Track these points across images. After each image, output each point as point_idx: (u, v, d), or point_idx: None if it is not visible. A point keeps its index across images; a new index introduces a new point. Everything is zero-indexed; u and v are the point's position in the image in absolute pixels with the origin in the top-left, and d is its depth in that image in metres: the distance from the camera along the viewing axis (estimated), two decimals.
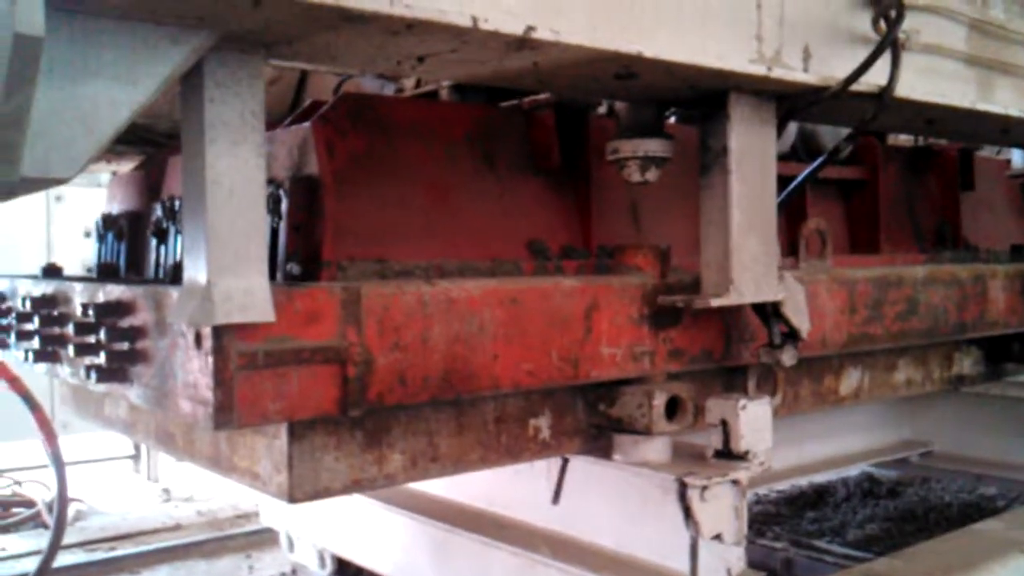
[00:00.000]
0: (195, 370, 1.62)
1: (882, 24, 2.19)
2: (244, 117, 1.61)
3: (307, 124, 2.02)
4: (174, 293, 1.69)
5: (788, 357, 2.28)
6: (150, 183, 2.68)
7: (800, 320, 2.28)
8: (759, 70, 2.02)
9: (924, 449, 4.07)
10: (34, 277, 2.48)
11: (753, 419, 2.13)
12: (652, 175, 2.25)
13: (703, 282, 2.22)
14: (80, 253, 5.07)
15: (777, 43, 2.07)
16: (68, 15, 1.38)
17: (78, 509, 5.05)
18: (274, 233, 1.95)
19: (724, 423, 2.13)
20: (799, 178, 2.61)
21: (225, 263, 1.59)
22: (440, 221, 2.18)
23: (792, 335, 2.29)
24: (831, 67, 2.16)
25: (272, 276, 1.87)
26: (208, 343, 1.58)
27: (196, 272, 1.61)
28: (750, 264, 2.16)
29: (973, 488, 4.34)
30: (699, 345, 2.29)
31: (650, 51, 1.82)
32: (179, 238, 2.33)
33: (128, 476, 5.92)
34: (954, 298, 2.98)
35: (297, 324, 1.66)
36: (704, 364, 2.31)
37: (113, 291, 1.94)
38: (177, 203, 2.35)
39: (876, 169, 3.22)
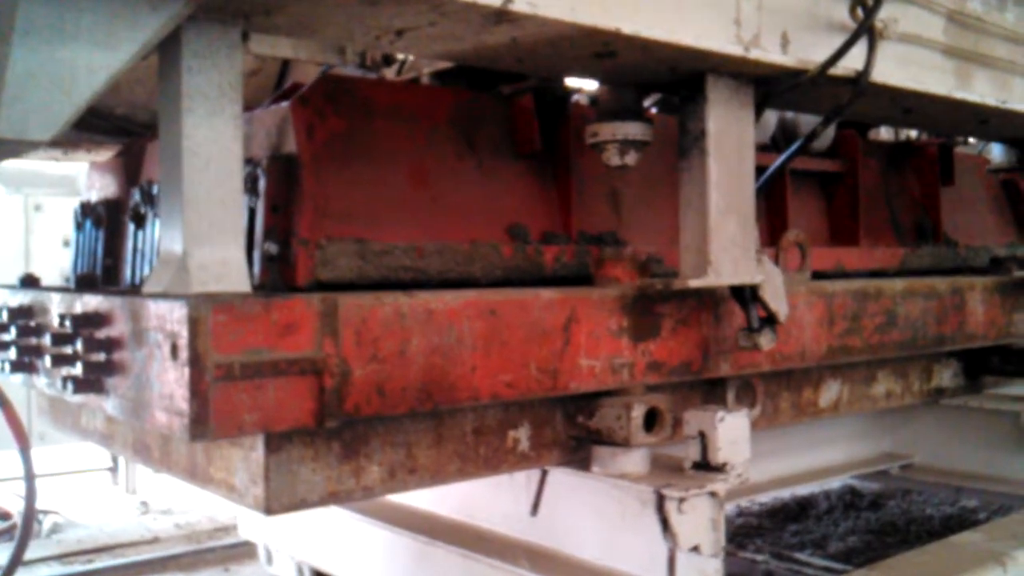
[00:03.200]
0: (171, 381, 1.61)
1: (859, 11, 2.21)
2: (222, 88, 1.62)
3: (286, 103, 2.02)
4: (151, 305, 1.68)
5: (766, 340, 2.28)
6: (128, 170, 2.68)
7: (778, 304, 2.29)
8: (737, 51, 2.04)
9: (905, 461, 4.08)
10: (11, 287, 2.46)
11: (731, 431, 2.14)
12: (631, 159, 2.24)
13: (682, 265, 2.22)
14: (59, 263, 5.05)
15: (755, 27, 2.09)
16: None
17: (55, 521, 5.00)
18: (252, 212, 1.95)
19: (702, 435, 2.14)
20: (777, 161, 2.61)
21: (201, 233, 1.60)
22: (420, 203, 2.18)
23: (770, 319, 2.29)
24: (809, 52, 2.18)
25: (249, 255, 1.87)
26: (184, 354, 1.57)
27: (172, 243, 1.61)
28: (728, 246, 2.17)
29: (954, 500, 4.36)
30: (678, 357, 2.30)
31: (629, 28, 1.83)
32: (156, 222, 2.32)
33: (106, 488, 5.86)
34: (933, 311, 3.01)
35: (274, 335, 1.66)
36: (683, 376, 2.32)
37: (90, 302, 1.93)
38: (155, 188, 2.35)
39: (856, 162, 3.25)
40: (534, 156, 2.41)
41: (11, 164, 6.33)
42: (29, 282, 2.57)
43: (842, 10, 2.25)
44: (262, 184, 1.95)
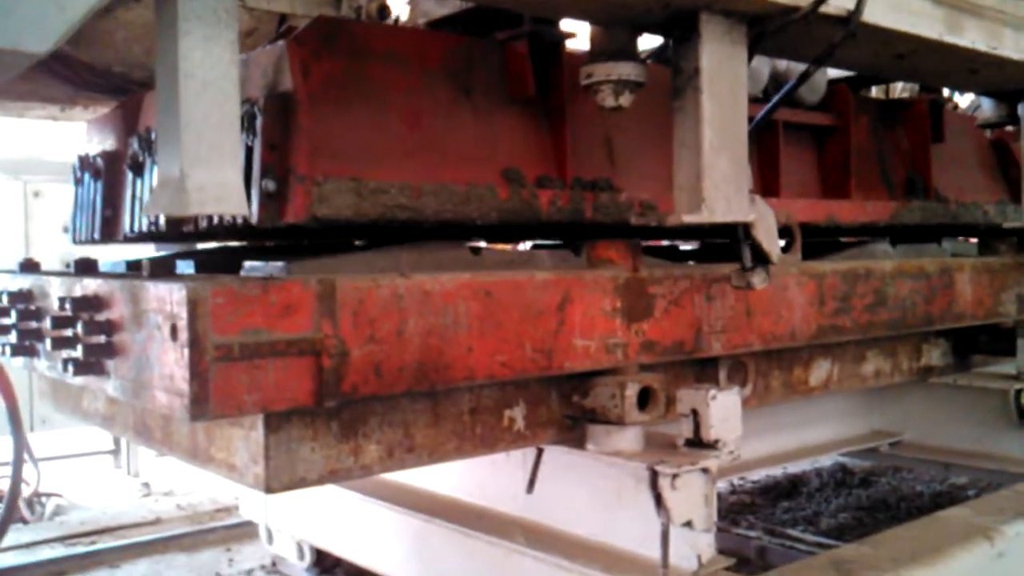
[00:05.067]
0: (171, 362, 1.64)
1: None
2: (218, 13, 1.63)
3: (281, 43, 2.04)
4: (150, 287, 1.71)
5: (759, 280, 2.28)
6: (126, 121, 2.69)
7: (771, 243, 2.30)
8: None
9: (895, 439, 4.13)
10: (11, 272, 2.49)
11: (723, 409, 2.18)
12: (626, 100, 2.24)
13: (675, 204, 2.22)
14: (59, 248, 5.07)
15: None
16: None
17: (58, 504, 5.04)
18: (249, 152, 1.97)
19: (695, 412, 2.18)
20: (771, 103, 2.60)
21: (199, 155, 1.61)
22: (416, 145, 2.18)
23: (762, 259, 2.31)
24: None
25: (247, 194, 1.88)
26: (184, 335, 1.60)
27: (169, 165, 1.62)
28: (721, 184, 2.17)
29: (944, 478, 4.41)
30: (671, 337, 2.33)
31: None
32: (155, 169, 2.35)
33: (108, 471, 5.90)
34: (922, 290, 3.04)
35: (272, 316, 1.69)
36: (675, 356, 2.35)
37: (90, 285, 1.95)
38: (153, 135, 2.37)
39: (848, 116, 3.25)
40: (528, 101, 2.41)
41: (10, 150, 6.33)
42: (29, 267, 2.60)
43: None
44: (259, 122, 1.96)
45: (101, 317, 1.89)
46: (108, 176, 2.67)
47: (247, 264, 2.10)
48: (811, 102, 3.24)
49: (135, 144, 2.45)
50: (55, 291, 2.10)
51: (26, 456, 3.21)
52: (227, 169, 1.65)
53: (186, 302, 1.60)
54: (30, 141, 6.46)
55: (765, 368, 2.79)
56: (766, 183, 2.98)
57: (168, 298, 1.65)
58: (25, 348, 2.23)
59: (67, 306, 1.94)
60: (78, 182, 2.81)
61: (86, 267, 2.37)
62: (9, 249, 5.13)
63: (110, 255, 2.73)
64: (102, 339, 1.87)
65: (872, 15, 2.27)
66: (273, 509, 3.51)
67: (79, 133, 3.33)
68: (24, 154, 5.97)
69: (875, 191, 3.38)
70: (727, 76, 2.20)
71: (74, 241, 2.93)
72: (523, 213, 2.29)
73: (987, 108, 3.72)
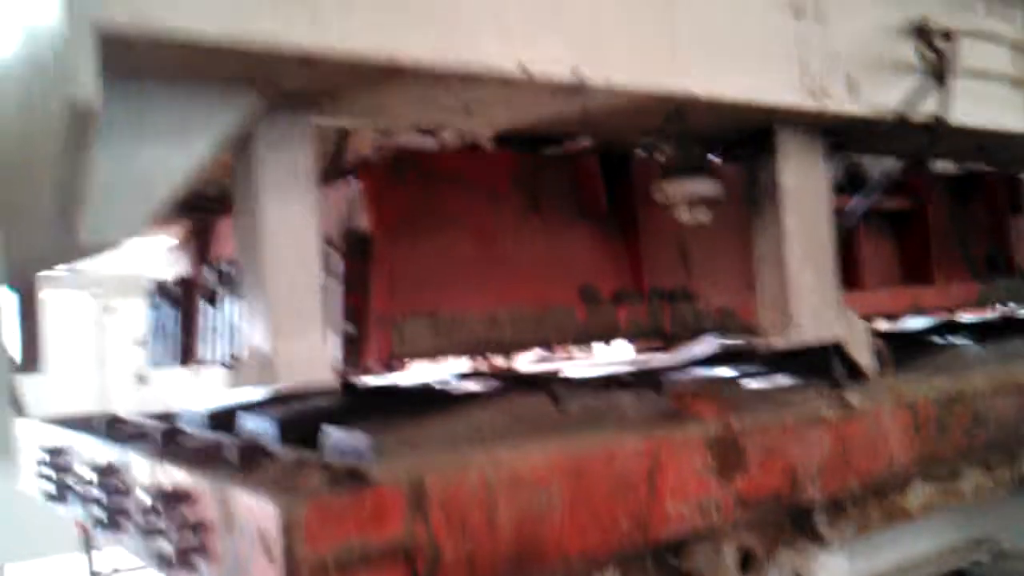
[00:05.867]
0: None
1: (927, 52, 2.15)
2: (296, 177, 1.63)
3: (355, 180, 2.03)
4: (241, 497, 1.68)
5: (856, 398, 2.21)
6: (200, 249, 2.74)
7: (863, 357, 2.23)
8: (809, 104, 2.01)
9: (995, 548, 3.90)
10: (95, 432, 2.50)
11: (827, 569, 2.07)
12: (703, 215, 2.21)
13: (761, 323, 2.17)
14: (133, 362, 5.15)
15: (822, 75, 2.06)
16: (121, 79, 1.37)
17: None
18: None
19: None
20: (857, 210, 2.54)
21: (286, 326, 1.61)
22: (490, 269, 2.19)
23: (856, 373, 2.22)
24: (879, 96, 2.14)
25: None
26: (278, 554, 1.57)
27: (257, 336, 1.61)
28: (809, 301, 2.11)
29: None
30: (766, 489, 2.23)
31: (702, 90, 1.82)
32: (228, 301, 2.36)
33: None
34: (1020, 405, 2.90)
35: (365, 524, 1.64)
36: (772, 507, 2.25)
37: (175, 476, 1.94)
38: (225, 267, 2.41)
39: (925, 198, 3.18)
40: (600, 214, 2.41)
41: (81, 265, 6.53)
42: (114, 426, 2.60)
43: (907, 49, 2.19)
44: (334, 262, 1.96)
45: (190, 514, 1.87)
46: (184, 304, 2.72)
47: (331, 437, 2.06)
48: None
49: (208, 275, 2.49)
50: (140, 475, 2.09)
51: None
52: (314, 337, 1.65)
53: (278, 519, 1.56)
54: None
55: (862, 499, 2.66)
56: (847, 275, 2.89)
57: (259, 511, 1.62)
58: (112, 523, 2.23)
59: (155, 499, 1.93)
60: (154, 306, 2.86)
61: (170, 436, 2.36)
62: (84, 362, 5.24)
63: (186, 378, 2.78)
64: (191, 537, 1.85)
65: (957, 115, 2.20)
66: None
67: (150, 248, 3.40)
68: (95, 269, 6.15)
69: (956, 272, 3.28)
70: (809, 189, 2.16)
71: (152, 365, 2.97)
72: (601, 332, 2.26)
73: None
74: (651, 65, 1.76)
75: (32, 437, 2.76)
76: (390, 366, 2.36)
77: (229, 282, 2.47)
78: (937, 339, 3.22)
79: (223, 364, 2.56)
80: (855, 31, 2.13)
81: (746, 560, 2.12)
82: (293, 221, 1.64)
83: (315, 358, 1.64)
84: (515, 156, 2.41)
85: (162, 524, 1.92)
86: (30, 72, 1.21)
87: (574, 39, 1.65)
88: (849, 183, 3.17)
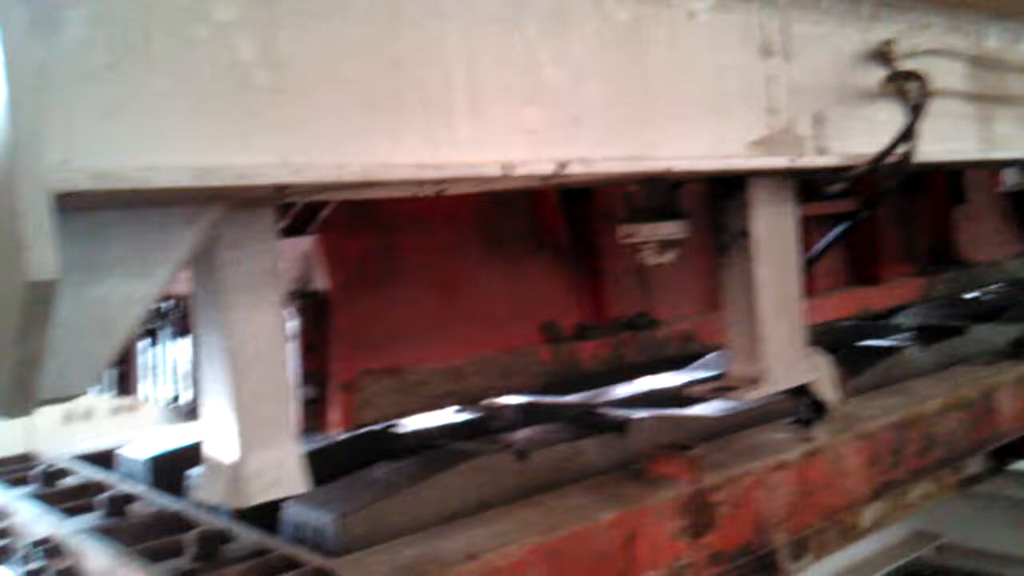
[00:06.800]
0: None
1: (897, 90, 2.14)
2: (261, 276, 1.51)
3: (309, 236, 1.93)
4: None
5: (822, 433, 2.25)
6: None
7: (828, 393, 2.26)
8: (782, 163, 1.98)
9: (938, 542, 4.05)
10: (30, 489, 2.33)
11: None
12: (669, 257, 2.18)
13: (731, 372, 2.16)
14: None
15: (793, 127, 2.03)
16: (74, 212, 1.21)
17: None
18: None
19: None
20: (820, 247, 2.59)
21: (254, 438, 1.52)
22: (452, 314, 2.13)
23: (820, 409, 2.26)
24: (848, 141, 2.13)
25: None
26: None
27: (222, 447, 1.53)
28: (781, 353, 2.12)
29: None
30: (735, 541, 2.26)
31: (681, 165, 1.78)
32: (165, 340, 2.30)
33: None
34: (967, 419, 2.99)
35: None
36: (743, 559, 2.28)
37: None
38: (163, 305, 2.28)
39: (872, 201, 3.19)
40: (560, 247, 2.35)
41: None
42: (50, 485, 2.44)
43: (870, 79, 2.18)
44: (292, 325, 1.87)
45: None
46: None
47: (291, 513, 1.97)
48: (833, 191, 3.16)
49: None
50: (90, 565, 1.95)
51: None
52: (284, 447, 1.55)
53: None
54: None
55: (820, 530, 2.72)
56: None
57: None
58: None
59: None
60: None
61: (117, 507, 2.19)
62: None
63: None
64: None
65: (922, 154, 2.19)
66: None
67: None
68: None
69: (902, 266, 3.33)
70: (779, 236, 2.15)
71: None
72: (564, 370, 2.23)
73: (1012, 174, 3.65)
74: (630, 148, 1.70)
75: None
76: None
77: (168, 320, 2.34)
78: (880, 343, 3.28)
79: (165, 403, 2.45)
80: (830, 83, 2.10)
81: None
82: (261, 325, 1.52)
83: (287, 469, 1.54)
84: (474, 196, 2.32)
85: None
86: None
87: (558, 136, 1.57)
88: (802, 191, 3.16)
